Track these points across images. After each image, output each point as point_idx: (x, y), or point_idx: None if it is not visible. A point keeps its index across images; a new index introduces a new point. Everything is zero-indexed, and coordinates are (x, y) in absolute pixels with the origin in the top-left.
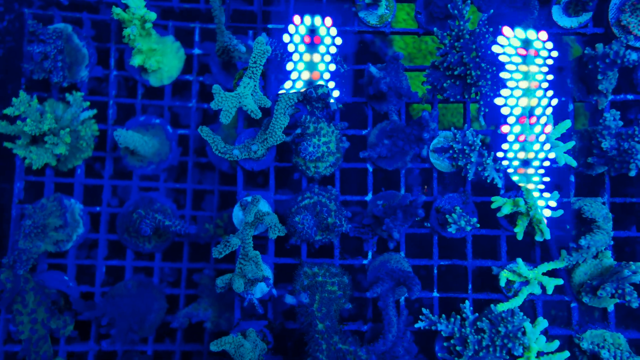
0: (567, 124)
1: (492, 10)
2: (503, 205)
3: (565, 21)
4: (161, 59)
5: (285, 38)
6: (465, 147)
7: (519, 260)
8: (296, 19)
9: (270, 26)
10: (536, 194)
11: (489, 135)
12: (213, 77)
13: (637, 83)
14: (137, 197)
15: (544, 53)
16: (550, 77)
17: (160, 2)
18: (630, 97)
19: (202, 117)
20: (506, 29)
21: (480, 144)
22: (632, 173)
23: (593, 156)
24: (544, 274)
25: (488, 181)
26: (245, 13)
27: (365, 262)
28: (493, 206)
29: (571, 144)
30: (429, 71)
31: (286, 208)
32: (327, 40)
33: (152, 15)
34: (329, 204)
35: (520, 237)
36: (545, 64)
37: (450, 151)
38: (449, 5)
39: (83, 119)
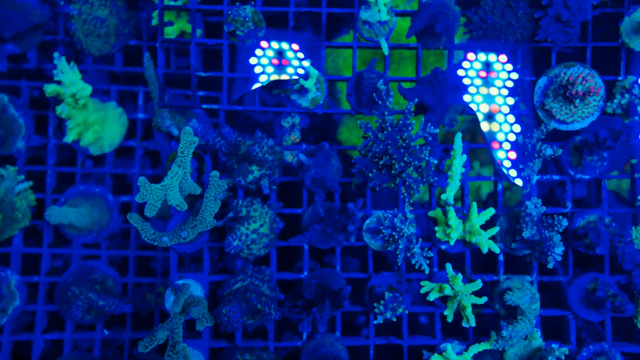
0: (490, 211)
1: (416, 100)
2: (430, 291)
3: None
4: (101, 127)
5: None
6: (393, 233)
7: (448, 345)
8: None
9: (204, 106)
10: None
11: None
12: (156, 143)
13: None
14: (76, 267)
15: (504, 75)
16: (510, 100)
17: (103, 66)
18: (556, 177)
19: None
20: (470, 54)
21: (408, 231)
22: (550, 266)
23: (517, 242)
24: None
25: (416, 267)
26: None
27: (299, 343)
28: (422, 291)
29: (495, 229)
30: (357, 157)
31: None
32: None
33: (87, 91)
34: (261, 287)
35: (450, 319)
36: (505, 86)
37: (381, 234)
38: (374, 95)
39: (19, 191)
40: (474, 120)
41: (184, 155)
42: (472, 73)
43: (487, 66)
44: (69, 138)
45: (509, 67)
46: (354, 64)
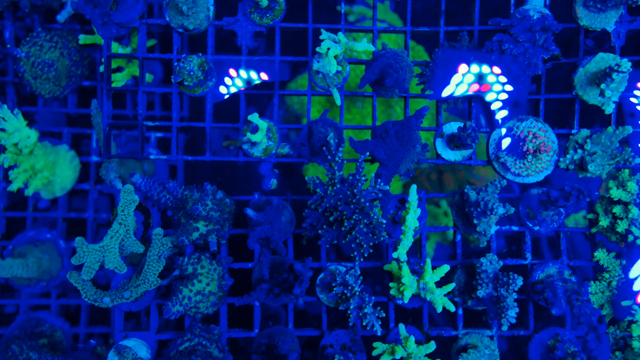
0: (444, 268)
1: (367, 153)
2: (382, 354)
3: (449, 154)
4: (51, 172)
5: None
6: (345, 291)
7: None
8: None
9: (152, 157)
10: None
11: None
12: (110, 187)
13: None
14: (23, 318)
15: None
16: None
17: (54, 109)
18: (515, 228)
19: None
20: (462, 67)
21: (359, 289)
22: (504, 328)
23: (473, 299)
24: None
25: (368, 328)
26: None
27: None
28: (374, 353)
29: (451, 286)
30: (308, 211)
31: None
32: None
33: (31, 140)
34: (209, 347)
35: None
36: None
37: (333, 292)
38: (324, 148)
39: None
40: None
41: (125, 213)
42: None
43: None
44: (14, 187)
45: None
46: (308, 113)
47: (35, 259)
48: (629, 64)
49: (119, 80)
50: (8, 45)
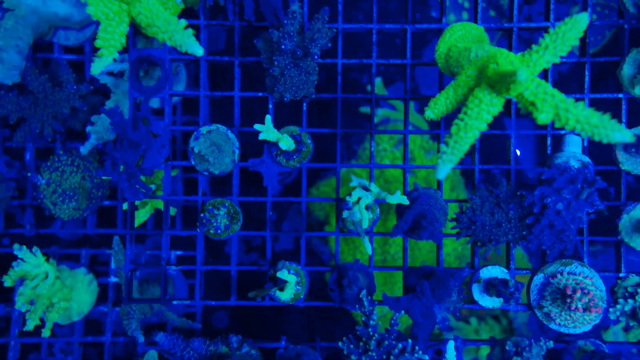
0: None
1: (402, 312)
2: None
3: (486, 301)
4: (67, 301)
5: None
6: None
7: None
8: None
9: (175, 303)
10: None
11: None
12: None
13: None
14: None
15: None
16: None
17: (73, 230)
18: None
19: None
20: None
21: None
22: None
23: None
24: None
25: None
26: None
27: None
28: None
29: None
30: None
31: None
32: None
33: (48, 281)
34: None
35: None
36: None
37: None
38: (357, 306)
39: None
40: None
41: None
42: None
43: None
44: (30, 326)
45: None
46: (337, 255)
47: None
48: None
49: (141, 216)
50: (29, 174)
